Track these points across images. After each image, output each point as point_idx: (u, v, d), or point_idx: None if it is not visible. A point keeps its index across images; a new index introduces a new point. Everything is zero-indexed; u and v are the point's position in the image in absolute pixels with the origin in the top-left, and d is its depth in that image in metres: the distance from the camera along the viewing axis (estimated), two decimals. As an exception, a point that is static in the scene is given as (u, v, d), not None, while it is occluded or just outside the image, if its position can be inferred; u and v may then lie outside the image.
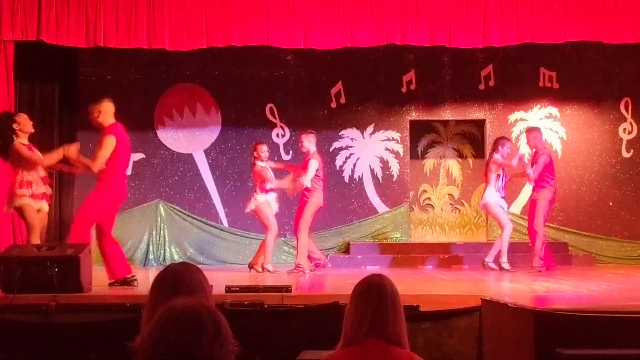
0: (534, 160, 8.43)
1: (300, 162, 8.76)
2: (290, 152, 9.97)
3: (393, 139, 10.17)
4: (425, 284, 7.33)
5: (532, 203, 8.42)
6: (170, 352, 1.73)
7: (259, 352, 4.68)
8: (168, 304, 1.82)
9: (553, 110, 10.13)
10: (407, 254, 9.51)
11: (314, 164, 8.30)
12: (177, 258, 9.72)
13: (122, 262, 6.89)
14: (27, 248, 6.38)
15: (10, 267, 5.88)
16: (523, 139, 9.94)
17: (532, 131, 8.69)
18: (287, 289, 5.80)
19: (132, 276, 6.77)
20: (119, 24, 8.35)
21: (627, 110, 10.07)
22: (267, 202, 8.38)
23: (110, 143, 6.66)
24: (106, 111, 6.82)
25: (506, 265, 8.30)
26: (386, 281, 2.72)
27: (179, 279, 2.59)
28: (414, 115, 10.20)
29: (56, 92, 9.70)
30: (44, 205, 6.83)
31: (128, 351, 2.10)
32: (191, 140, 10.12)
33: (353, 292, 2.73)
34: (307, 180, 8.25)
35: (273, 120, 10.13)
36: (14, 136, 6.72)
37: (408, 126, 10.18)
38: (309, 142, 8.43)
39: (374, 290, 2.67)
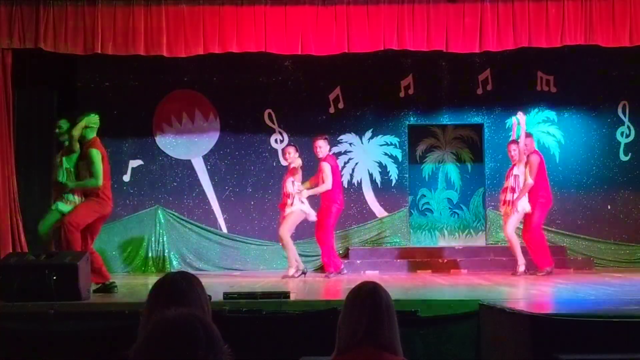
0: (526, 164, 8.43)
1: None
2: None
3: (391, 144, 10.18)
4: (424, 289, 7.33)
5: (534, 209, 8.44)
6: (163, 362, 1.74)
7: (258, 359, 4.68)
8: (161, 315, 1.82)
9: (551, 114, 10.15)
10: (406, 259, 9.51)
11: (326, 167, 8.46)
12: (176, 264, 9.72)
13: (103, 268, 7.01)
14: (25, 256, 6.39)
15: (9, 276, 5.89)
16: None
17: (526, 137, 8.66)
18: (286, 295, 5.79)
19: (111, 282, 6.88)
20: (117, 32, 8.36)
21: (624, 113, 10.08)
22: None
23: (98, 155, 6.91)
24: (94, 124, 7.10)
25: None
26: (380, 288, 2.72)
27: (176, 288, 2.58)
28: (412, 120, 10.22)
29: (54, 100, 9.70)
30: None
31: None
32: (190, 146, 10.13)
33: (346, 300, 2.72)
34: (327, 184, 8.41)
35: (272, 125, 10.14)
36: None
37: (406, 131, 10.19)
38: (318, 147, 8.58)
39: (368, 298, 2.67)
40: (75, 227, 6.74)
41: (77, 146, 7.05)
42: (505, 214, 8.55)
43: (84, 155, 7.00)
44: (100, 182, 6.87)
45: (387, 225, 10.12)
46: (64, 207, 6.93)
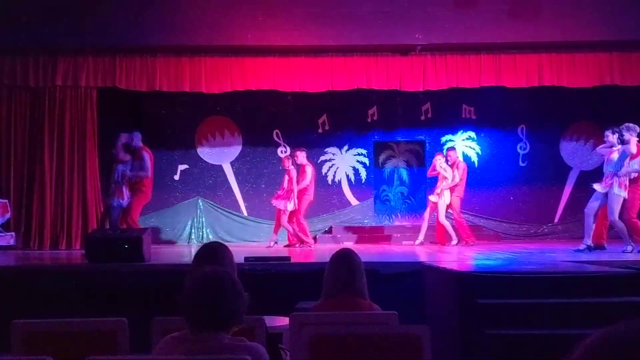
0: (456, 168, 8.36)
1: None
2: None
3: (362, 154, 10.18)
4: (384, 254, 7.34)
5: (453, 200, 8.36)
6: (202, 303, 1.75)
7: (269, 304, 4.67)
8: (200, 271, 1.84)
9: (472, 133, 10.18)
10: (372, 234, 9.52)
11: (309, 170, 8.36)
12: (211, 237, 9.68)
13: None
14: (106, 231, 6.36)
15: (95, 245, 5.87)
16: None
17: (452, 150, 8.69)
18: (288, 259, 5.79)
19: None
20: (170, 74, 8.38)
21: (522, 133, 10.14)
22: None
23: (148, 157, 7.18)
24: (139, 138, 7.53)
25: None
26: (353, 252, 2.74)
27: (213, 253, 2.60)
28: (376, 137, 10.22)
29: (126, 124, 9.63)
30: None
31: (175, 304, 2.11)
32: (221, 155, 10.10)
33: (330, 261, 2.74)
34: (305, 182, 8.29)
35: (278, 141, 10.12)
36: None
37: (372, 145, 10.20)
38: (295, 157, 8.41)
39: (345, 259, 2.69)
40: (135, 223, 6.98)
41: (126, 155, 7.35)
42: (434, 205, 8.40)
43: (136, 158, 7.25)
44: (149, 174, 7.09)
45: (358, 210, 10.13)
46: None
